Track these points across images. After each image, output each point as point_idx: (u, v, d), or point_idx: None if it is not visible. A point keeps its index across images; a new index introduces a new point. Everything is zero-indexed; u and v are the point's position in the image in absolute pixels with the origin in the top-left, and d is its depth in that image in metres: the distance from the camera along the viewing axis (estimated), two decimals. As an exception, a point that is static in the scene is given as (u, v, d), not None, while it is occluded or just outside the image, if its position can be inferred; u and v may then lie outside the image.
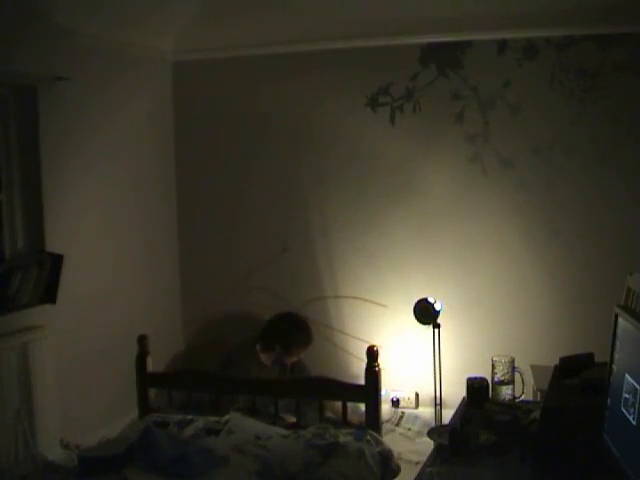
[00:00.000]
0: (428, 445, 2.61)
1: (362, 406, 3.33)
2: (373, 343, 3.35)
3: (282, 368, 4.26)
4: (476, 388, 2.83)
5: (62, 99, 3.86)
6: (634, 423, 1.89)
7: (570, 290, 4.22)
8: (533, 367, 3.76)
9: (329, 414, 3.53)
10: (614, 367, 2.13)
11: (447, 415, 2.99)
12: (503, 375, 2.87)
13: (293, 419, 3.47)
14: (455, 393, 3.09)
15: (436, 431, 2.61)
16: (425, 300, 3.83)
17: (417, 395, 4.52)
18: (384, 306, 4.52)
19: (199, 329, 4.98)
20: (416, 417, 4.49)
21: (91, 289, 4.17)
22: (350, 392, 3.27)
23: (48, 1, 3.59)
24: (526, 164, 4.26)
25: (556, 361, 2.93)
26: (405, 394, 4.55)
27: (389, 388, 4.40)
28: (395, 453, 3.17)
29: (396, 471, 3.07)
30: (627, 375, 1.99)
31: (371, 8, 4.22)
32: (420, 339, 3.99)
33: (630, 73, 4.00)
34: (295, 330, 4.28)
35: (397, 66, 4.43)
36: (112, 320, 4.32)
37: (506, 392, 2.86)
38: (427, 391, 3.98)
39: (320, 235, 4.71)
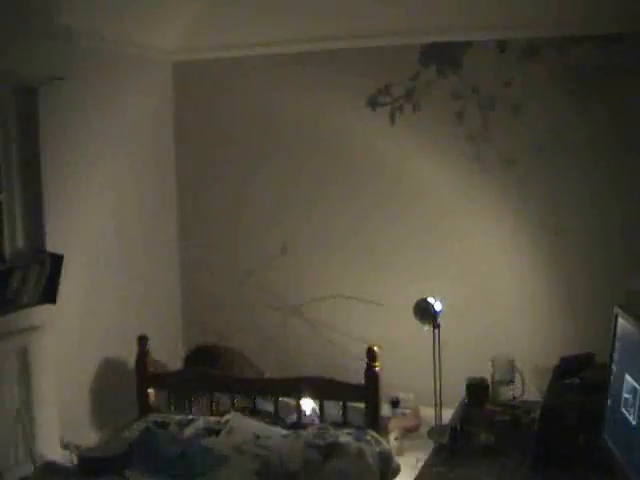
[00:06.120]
0: (428, 445, 2.62)
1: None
2: (373, 343, 3.34)
3: None
4: (476, 388, 2.84)
5: (62, 99, 3.86)
6: (634, 423, 1.89)
7: (570, 290, 4.21)
8: (533, 367, 3.75)
9: None
10: (614, 367, 2.13)
11: (447, 415, 2.99)
12: (503, 375, 2.88)
13: None
14: (455, 393, 3.09)
15: (436, 431, 2.62)
16: (425, 300, 3.83)
17: (417, 395, 4.51)
18: (384, 306, 4.52)
19: (199, 329, 4.98)
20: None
21: (91, 289, 4.17)
22: (350, 392, 3.28)
23: (48, 1, 3.59)
24: (526, 164, 4.26)
25: (556, 361, 2.94)
26: (405, 394, 4.55)
27: (389, 388, 4.40)
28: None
29: (396, 471, 3.08)
30: (627, 375, 1.99)
31: (371, 8, 4.22)
32: (420, 339, 3.98)
33: (630, 73, 4.00)
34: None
35: (397, 66, 4.43)
36: (112, 320, 4.32)
37: (506, 392, 2.86)
38: (427, 391, 3.98)
39: (320, 235, 4.70)
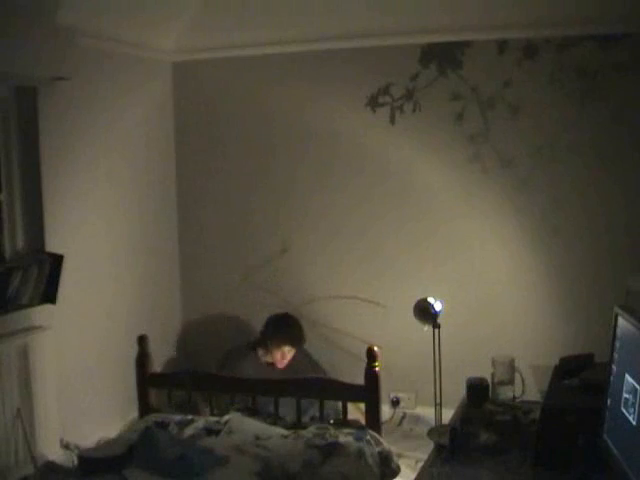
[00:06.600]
0: (428, 445, 2.62)
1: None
2: (373, 343, 3.35)
3: (273, 367, 4.26)
4: (476, 388, 2.84)
5: (62, 99, 3.86)
6: (634, 423, 1.89)
7: (570, 290, 4.21)
8: (533, 367, 3.76)
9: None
10: (614, 367, 2.13)
11: (447, 415, 2.99)
12: (503, 375, 2.88)
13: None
14: (455, 393, 3.09)
15: (436, 431, 2.61)
16: (425, 300, 3.83)
17: (417, 395, 4.52)
18: (384, 306, 4.52)
19: (199, 329, 4.98)
20: (417, 417, 4.50)
21: (91, 289, 4.17)
22: (350, 392, 3.28)
23: (48, 1, 3.59)
24: (526, 164, 4.26)
25: (556, 361, 2.94)
26: (405, 394, 4.56)
27: (389, 388, 4.41)
28: (395, 453, 3.18)
29: (396, 471, 3.07)
30: (627, 375, 1.99)
31: (371, 8, 4.22)
32: (420, 339, 3.99)
33: (630, 73, 4.00)
34: (277, 327, 4.31)
35: (397, 66, 4.42)
36: (112, 320, 4.32)
37: (506, 392, 2.86)
38: (427, 391, 3.98)
39: (320, 235, 4.70)
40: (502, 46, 4.21)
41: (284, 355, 4.26)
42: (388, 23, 4.30)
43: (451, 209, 4.44)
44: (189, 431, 3.17)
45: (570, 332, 4.13)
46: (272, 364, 4.27)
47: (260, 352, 4.29)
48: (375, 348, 3.25)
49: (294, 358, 4.32)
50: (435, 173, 4.44)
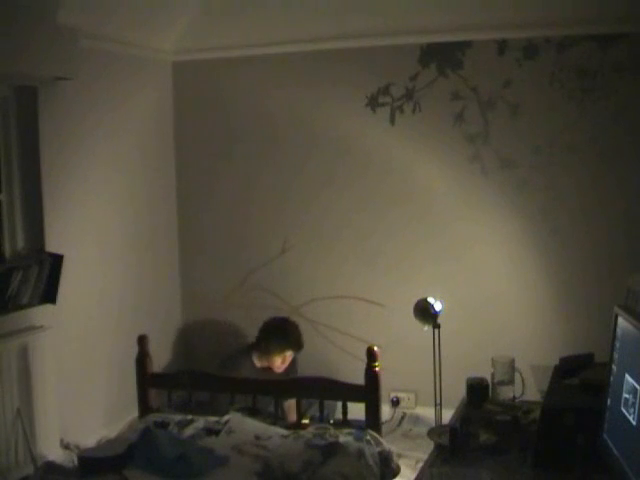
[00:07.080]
0: (428, 445, 2.62)
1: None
2: (373, 343, 3.35)
3: (270, 372, 4.21)
4: (476, 388, 2.84)
5: (62, 99, 3.86)
6: (634, 423, 1.90)
7: (570, 290, 4.21)
8: (533, 367, 3.76)
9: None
10: (614, 367, 2.13)
11: (447, 415, 2.99)
12: (503, 375, 2.88)
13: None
14: (455, 393, 3.09)
15: (436, 431, 2.62)
16: (425, 300, 3.83)
17: (417, 395, 4.52)
18: (384, 306, 4.52)
19: (199, 329, 4.98)
20: (417, 417, 4.50)
21: (91, 289, 4.17)
22: (350, 392, 3.28)
23: (49, 1, 3.59)
24: (526, 164, 4.26)
25: (556, 361, 2.94)
26: (405, 394, 4.56)
27: (389, 388, 4.40)
28: (395, 453, 3.18)
29: (396, 471, 3.08)
30: (627, 375, 1.99)
31: (371, 8, 4.22)
32: (420, 339, 4.00)
33: (630, 73, 4.00)
34: (279, 332, 4.23)
35: (397, 66, 4.43)
36: (112, 320, 4.32)
37: (506, 392, 2.86)
38: (427, 391, 3.99)
39: (320, 235, 4.70)
40: (502, 46, 4.21)
41: (285, 360, 4.22)
42: (388, 23, 4.30)
43: (451, 209, 4.44)
44: (189, 431, 3.17)
45: (570, 332, 4.13)
46: (268, 369, 4.22)
47: (255, 357, 4.24)
48: (375, 348, 3.25)
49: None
50: (435, 173, 4.44)
